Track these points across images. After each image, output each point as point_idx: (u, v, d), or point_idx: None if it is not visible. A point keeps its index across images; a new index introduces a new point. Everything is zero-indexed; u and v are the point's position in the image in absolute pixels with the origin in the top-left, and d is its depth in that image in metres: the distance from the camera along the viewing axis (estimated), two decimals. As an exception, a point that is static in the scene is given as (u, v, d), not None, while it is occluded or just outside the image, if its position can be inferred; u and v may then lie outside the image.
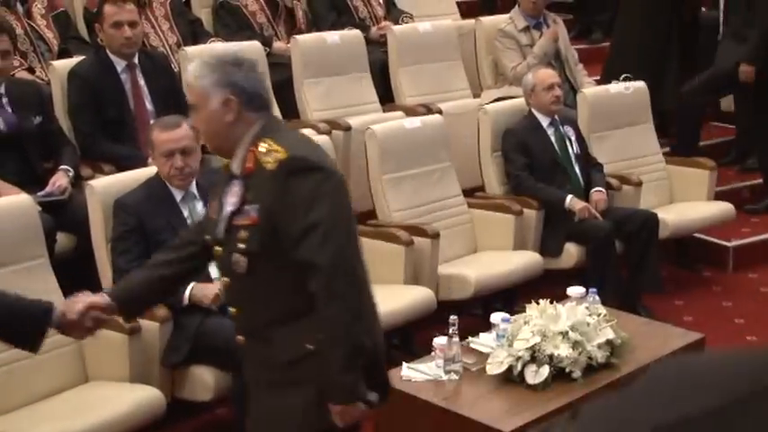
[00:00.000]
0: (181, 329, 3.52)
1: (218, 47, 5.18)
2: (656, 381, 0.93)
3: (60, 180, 4.09)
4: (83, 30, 5.42)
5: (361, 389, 2.48)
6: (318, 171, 2.44)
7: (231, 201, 2.50)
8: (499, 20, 6.21)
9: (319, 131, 4.86)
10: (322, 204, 2.40)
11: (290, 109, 5.30)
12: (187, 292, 3.46)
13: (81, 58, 4.68)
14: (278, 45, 5.64)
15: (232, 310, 2.65)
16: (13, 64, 4.39)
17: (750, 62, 5.68)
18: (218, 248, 2.57)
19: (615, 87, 5.59)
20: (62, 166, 4.18)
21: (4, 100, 4.16)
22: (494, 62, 6.03)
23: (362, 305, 2.47)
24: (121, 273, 3.48)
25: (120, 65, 4.51)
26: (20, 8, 5.07)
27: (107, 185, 3.81)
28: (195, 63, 2.57)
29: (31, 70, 4.90)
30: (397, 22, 6.08)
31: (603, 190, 4.93)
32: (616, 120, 5.48)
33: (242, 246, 2.47)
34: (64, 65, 4.64)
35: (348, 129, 5.06)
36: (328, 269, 2.40)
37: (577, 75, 5.98)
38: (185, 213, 3.66)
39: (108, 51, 4.51)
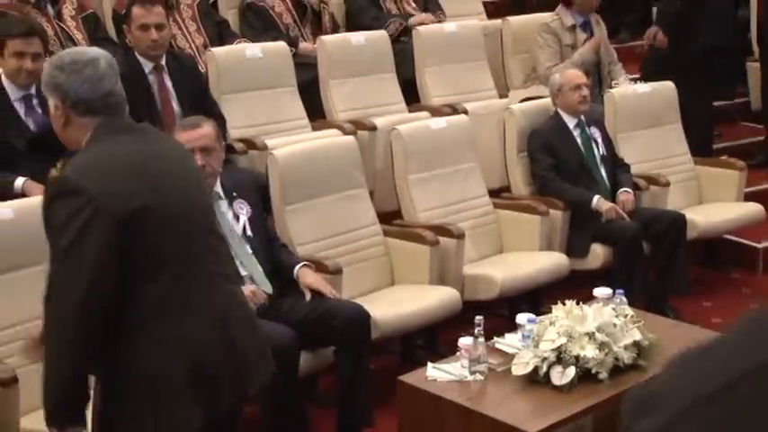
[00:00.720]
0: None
1: (240, 47, 5.22)
2: (749, 326, 0.93)
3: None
4: (111, 31, 5.46)
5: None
6: (77, 196, 2.34)
7: None
8: (528, 20, 6.22)
9: (345, 132, 4.88)
10: (68, 232, 2.33)
11: (316, 109, 5.31)
12: None
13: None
14: (304, 46, 5.65)
15: None
16: (42, 66, 4.42)
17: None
18: None
19: (642, 87, 5.57)
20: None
21: (35, 101, 4.19)
22: (530, 58, 5.99)
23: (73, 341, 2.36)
24: None
25: (147, 66, 4.55)
26: (50, 10, 5.12)
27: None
28: None
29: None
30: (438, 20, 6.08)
31: (630, 191, 4.90)
32: (643, 120, 5.45)
33: None
34: (93, 66, 4.68)
35: (374, 129, 5.07)
36: (49, 297, 2.39)
37: (615, 74, 5.94)
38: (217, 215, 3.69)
39: (136, 53, 4.54)
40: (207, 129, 3.64)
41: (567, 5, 5.95)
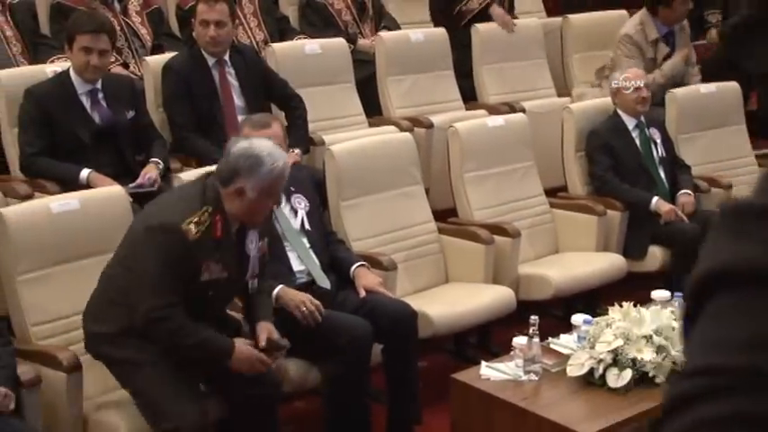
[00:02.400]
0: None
1: (299, 43, 5.25)
2: None
3: (151, 172, 4.18)
4: (175, 27, 5.53)
5: None
6: None
7: None
8: (589, 17, 6.16)
9: (402, 128, 4.88)
10: None
11: (373, 106, 5.33)
12: (275, 294, 3.49)
13: (173, 54, 4.78)
14: (362, 42, 5.67)
15: None
16: (110, 61, 4.49)
17: None
18: None
19: (707, 87, 5.48)
20: (153, 159, 4.28)
21: (100, 95, 4.28)
22: (593, 57, 5.91)
23: None
24: None
25: (210, 60, 4.61)
26: (117, 5, 5.20)
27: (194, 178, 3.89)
28: None
29: (125, 65, 5.02)
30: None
31: (691, 192, 4.84)
32: (706, 120, 5.37)
33: None
34: (157, 60, 4.75)
35: (430, 126, 5.07)
36: None
37: (691, 76, 5.84)
38: (274, 211, 3.70)
39: (201, 47, 4.60)
40: (276, 128, 3.65)
41: (653, 14, 5.74)
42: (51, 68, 4.39)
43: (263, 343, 3.19)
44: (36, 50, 4.92)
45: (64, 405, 3.14)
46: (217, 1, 4.55)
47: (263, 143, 3.17)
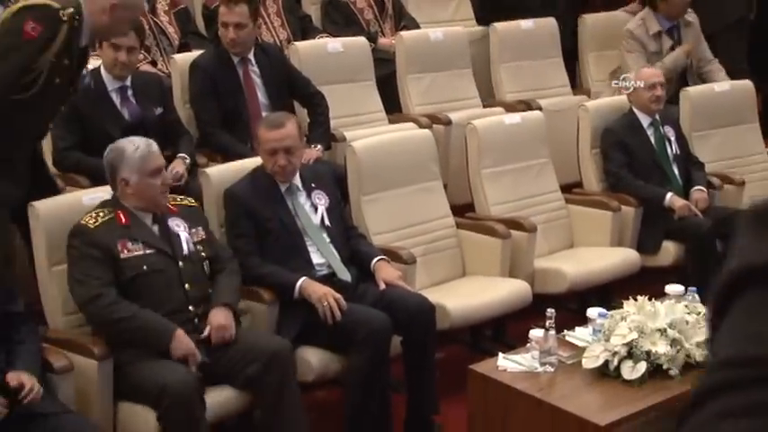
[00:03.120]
0: (291, 311, 3.59)
1: (321, 42, 5.26)
2: None
3: (178, 167, 4.20)
4: (201, 25, 5.54)
5: None
6: None
7: None
8: (604, 17, 6.16)
9: (421, 125, 4.89)
10: None
11: (393, 103, 5.33)
12: (298, 285, 3.52)
13: (199, 52, 4.80)
14: (383, 41, 5.67)
15: None
16: (138, 59, 4.51)
17: None
18: None
19: (720, 86, 5.45)
20: (180, 154, 4.29)
21: (130, 92, 4.30)
22: (605, 56, 5.91)
23: None
24: (241, 254, 3.58)
25: (235, 58, 4.63)
26: (145, 5, 5.20)
27: (220, 173, 3.90)
28: None
29: (153, 63, 5.03)
30: None
31: (704, 189, 4.83)
32: (719, 118, 5.34)
33: None
34: (184, 58, 4.78)
35: (449, 123, 5.07)
36: None
37: (710, 74, 5.79)
38: (289, 204, 3.73)
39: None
40: (290, 128, 3.67)
41: (654, 9, 5.75)
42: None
43: (205, 333, 3.28)
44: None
45: (95, 391, 3.18)
46: (237, 3, 4.56)
47: (122, 139, 3.47)
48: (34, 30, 3.20)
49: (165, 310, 3.28)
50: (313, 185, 3.81)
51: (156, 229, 3.39)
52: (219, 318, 3.31)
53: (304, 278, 3.53)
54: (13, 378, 2.88)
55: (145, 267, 3.28)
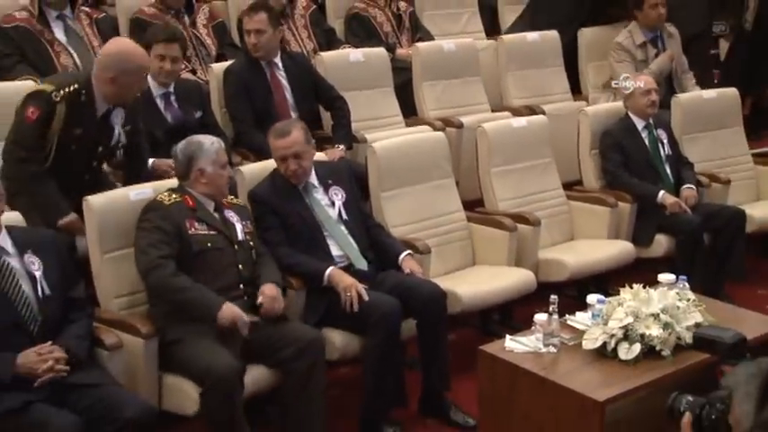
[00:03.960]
0: (315, 296, 3.60)
1: (344, 52, 5.27)
2: None
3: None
4: (236, 37, 5.55)
5: None
6: None
7: None
8: (600, 31, 6.13)
9: (435, 128, 4.90)
10: None
11: (410, 108, 5.34)
12: (327, 273, 3.53)
13: (234, 61, 4.82)
14: (400, 51, 5.67)
15: None
16: (181, 68, 4.54)
17: None
18: None
19: (708, 93, 5.44)
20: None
21: (172, 98, 4.33)
22: (603, 66, 5.89)
23: None
24: (271, 245, 3.60)
25: (263, 62, 4.64)
26: (186, 19, 5.24)
27: (253, 171, 3.92)
28: None
29: (193, 72, 5.06)
30: None
31: (694, 187, 4.81)
32: (707, 123, 5.33)
33: None
34: (220, 67, 4.79)
35: (460, 126, 5.07)
36: None
37: (685, 81, 5.80)
38: (307, 201, 3.73)
39: None
40: (296, 135, 3.66)
41: (636, 20, 5.78)
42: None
43: (259, 300, 3.33)
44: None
45: (141, 366, 3.20)
46: (256, 12, 4.60)
47: (197, 135, 3.56)
48: (33, 113, 3.51)
49: (221, 285, 3.31)
50: (330, 182, 3.80)
51: (216, 215, 3.45)
52: (272, 290, 3.35)
53: (332, 267, 3.54)
54: (46, 348, 2.88)
55: (209, 245, 3.34)
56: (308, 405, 3.28)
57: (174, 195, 3.40)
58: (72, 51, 4.67)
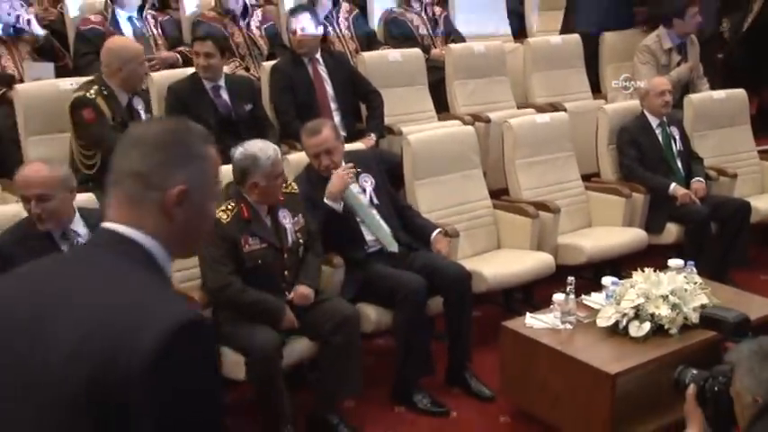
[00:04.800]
0: (352, 274, 3.61)
1: (383, 53, 5.27)
2: None
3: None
4: (285, 38, 5.58)
5: None
6: None
7: None
8: (620, 35, 6.05)
9: (465, 123, 4.87)
10: None
11: (442, 104, 5.32)
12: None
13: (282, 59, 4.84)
14: (435, 52, 5.65)
15: None
16: (220, 63, 4.52)
17: None
18: None
19: (718, 93, 5.35)
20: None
21: (222, 90, 4.36)
22: (622, 67, 5.78)
23: None
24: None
25: (305, 59, 4.66)
26: (242, 22, 5.27)
27: (299, 159, 3.93)
28: None
29: (247, 69, 5.08)
30: None
31: (703, 180, 4.75)
32: (717, 121, 5.24)
33: None
34: (270, 65, 4.80)
35: (488, 121, 5.04)
36: None
37: (700, 86, 5.70)
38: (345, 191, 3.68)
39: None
40: (326, 133, 3.62)
41: (668, 27, 5.63)
42: (191, 69, 4.47)
43: (290, 296, 3.32)
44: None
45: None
46: (302, 11, 4.65)
47: (253, 144, 3.30)
48: (88, 114, 3.76)
49: (266, 288, 3.30)
50: (359, 170, 3.78)
51: (268, 221, 3.35)
52: (305, 291, 3.34)
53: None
54: None
55: (260, 261, 3.29)
56: (345, 372, 3.30)
57: (231, 207, 3.25)
58: (139, 51, 4.73)
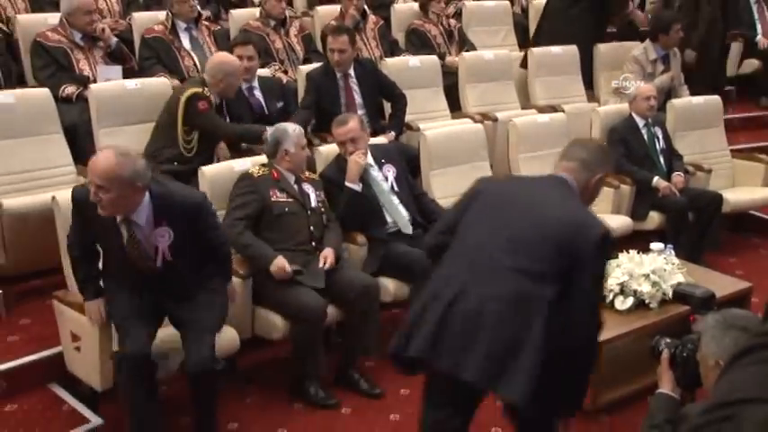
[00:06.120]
0: (374, 250, 3.61)
1: (404, 59, 5.23)
2: None
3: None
4: (319, 46, 5.56)
5: None
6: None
7: None
8: (613, 46, 5.99)
9: (475, 121, 4.85)
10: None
11: (455, 104, 5.29)
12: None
13: (317, 65, 4.79)
14: (449, 59, 5.61)
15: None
16: (258, 65, 4.50)
17: None
18: None
19: (697, 99, 5.29)
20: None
21: (255, 90, 4.34)
22: (614, 75, 5.71)
23: None
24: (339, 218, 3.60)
25: (339, 73, 4.56)
26: (282, 30, 5.26)
27: (328, 151, 3.92)
28: None
29: (285, 72, 5.08)
30: None
31: (682, 174, 4.71)
32: (695, 123, 5.19)
33: None
34: (305, 69, 4.76)
35: (495, 120, 5.00)
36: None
37: (681, 93, 5.63)
38: (365, 177, 3.67)
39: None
40: (352, 124, 3.63)
41: (654, 40, 5.59)
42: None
43: (321, 261, 3.30)
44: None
45: (239, 301, 3.23)
46: (339, 34, 4.50)
47: (281, 123, 3.56)
48: (203, 105, 3.84)
49: (297, 241, 3.34)
50: (383, 161, 3.77)
51: (296, 187, 3.46)
52: (329, 253, 3.35)
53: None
54: None
55: (286, 209, 3.35)
56: (365, 334, 3.32)
57: (263, 169, 3.42)
58: (194, 56, 4.77)
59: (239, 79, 4.04)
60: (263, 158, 3.61)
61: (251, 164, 3.53)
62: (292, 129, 3.46)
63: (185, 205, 2.75)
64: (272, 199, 3.35)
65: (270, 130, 3.51)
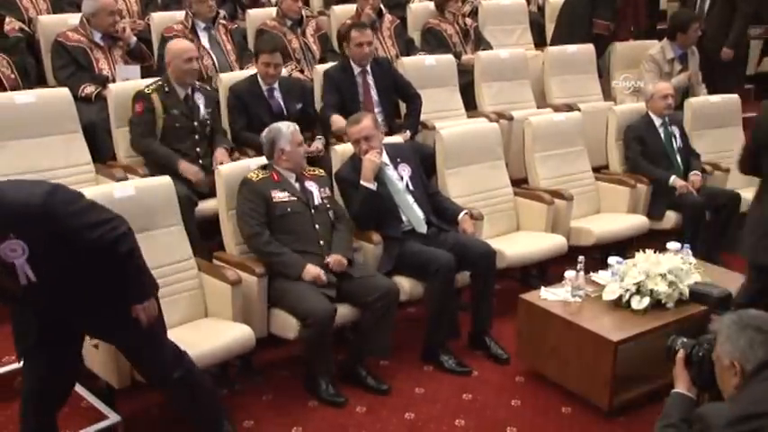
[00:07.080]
0: (389, 250, 3.60)
1: (420, 58, 5.21)
2: None
3: (317, 144, 4.25)
4: (335, 44, 5.55)
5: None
6: None
7: None
8: (629, 45, 5.93)
9: (490, 120, 4.83)
10: None
11: (471, 103, 5.26)
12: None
13: (333, 63, 4.80)
14: (465, 58, 5.59)
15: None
16: (281, 71, 4.46)
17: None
18: None
19: (714, 98, 5.23)
20: (318, 136, 4.33)
21: (276, 92, 4.33)
22: (630, 74, 5.66)
23: None
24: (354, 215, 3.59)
25: (356, 69, 4.58)
26: (298, 30, 5.26)
27: (344, 149, 3.91)
28: None
29: (301, 71, 5.08)
30: None
31: (699, 173, 4.65)
32: (713, 122, 5.13)
33: None
34: (322, 68, 4.76)
35: (511, 119, 4.98)
36: None
37: (699, 92, 5.58)
38: (381, 176, 3.65)
39: (351, 60, 4.59)
40: (365, 122, 3.62)
41: (672, 39, 5.53)
42: (250, 71, 4.48)
43: (327, 259, 3.31)
44: (242, 59, 5.04)
45: (255, 300, 3.25)
46: (365, 28, 4.53)
47: (274, 124, 3.50)
48: (138, 107, 3.88)
49: (303, 242, 3.33)
50: (398, 160, 3.75)
51: (297, 185, 3.45)
52: (340, 258, 3.34)
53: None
54: None
55: (289, 209, 3.35)
56: (378, 335, 3.31)
57: (262, 173, 3.39)
58: (212, 54, 4.79)
59: (186, 62, 3.92)
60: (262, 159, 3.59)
61: (255, 165, 3.52)
62: (285, 127, 3.43)
63: (26, 211, 2.16)
64: (274, 200, 3.34)
65: (264, 133, 3.47)
